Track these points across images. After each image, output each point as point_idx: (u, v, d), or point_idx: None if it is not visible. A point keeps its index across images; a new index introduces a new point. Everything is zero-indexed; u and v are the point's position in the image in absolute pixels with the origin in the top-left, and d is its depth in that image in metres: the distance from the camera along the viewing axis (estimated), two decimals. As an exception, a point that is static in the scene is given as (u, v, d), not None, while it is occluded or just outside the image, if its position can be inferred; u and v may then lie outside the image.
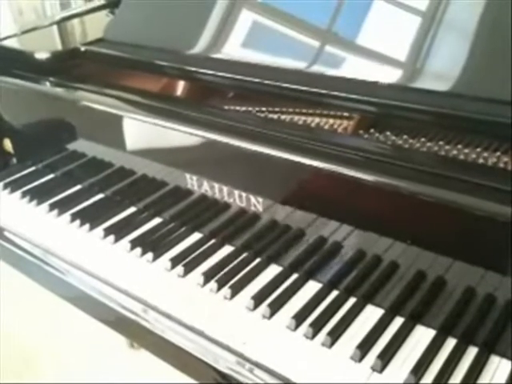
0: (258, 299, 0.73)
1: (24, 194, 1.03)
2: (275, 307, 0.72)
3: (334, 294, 0.73)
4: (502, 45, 0.66)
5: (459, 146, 0.66)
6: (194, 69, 0.87)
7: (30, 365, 1.57)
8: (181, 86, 0.91)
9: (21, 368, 1.55)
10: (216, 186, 0.82)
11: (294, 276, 0.77)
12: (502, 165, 0.62)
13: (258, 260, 0.81)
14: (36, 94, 1.03)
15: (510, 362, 0.62)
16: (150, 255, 0.83)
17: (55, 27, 1.20)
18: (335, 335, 0.67)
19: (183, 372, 0.75)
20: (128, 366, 1.48)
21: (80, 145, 1.00)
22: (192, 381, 0.74)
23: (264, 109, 0.80)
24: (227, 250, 0.84)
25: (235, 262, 0.80)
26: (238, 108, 0.82)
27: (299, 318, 0.69)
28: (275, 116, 0.79)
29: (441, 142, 0.67)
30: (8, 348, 1.58)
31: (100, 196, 1.01)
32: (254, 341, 0.68)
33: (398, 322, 0.68)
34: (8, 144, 1.15)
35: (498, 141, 0.64)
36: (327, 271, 0.75)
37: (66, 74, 0.99)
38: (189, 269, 0.80)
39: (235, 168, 0.79)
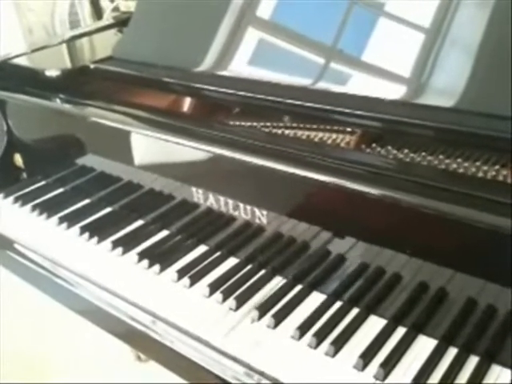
0: (263, 310, 0.74)
1: (34, 208, 1.05)
2: (280, 318, 0.73)
3: (338, 304, 0.74)
4: (501, 60, 0.68)
5: (459, 160, 0.66)
6: (200, 86, 0.89)
7: (37, 375, 1.57)
8: (187, 103, 0.93)
9: (27, 379, 1.55)
10: (221, 199, 0.83)
11: (298, 287, 0.78)
12: (501, 178, 0.62)
13: (262, 271, 0.82)
14: (46, 111, 1.04)
15: (510, 372, 0.63)
16: (157, 267, 0.85)
17: (65, 45, 1.22)
18: (338, 345, 0.68)
19: (191, 383, 0.76)
20: (134, 378, 1.48)
21: (89, 160, 1.02)
22: (199, 391, 0.74)
23: (268, 124, 0.82)
24: (232, 261, 0.85)
25: (240, 274, 0.82)
26: (243, 123, 0.84)
27: (303, 328, 0.70)
28: (279, 131, 0.81)
29: (441, 156, 0.68)
30: (15, 358, 1.59)
31: (108, 209, 1.03)
32: (259, 351, 0.69)
33: (401, 331, 0.69)
34: (19, 159, 1.17)
35: (498, 154, 0.64)
36: (331, 282, 0.76)
37: (75, 90, 1.01)
38: (195, 280, 0.81)
39: (240, 182, 0.81)
